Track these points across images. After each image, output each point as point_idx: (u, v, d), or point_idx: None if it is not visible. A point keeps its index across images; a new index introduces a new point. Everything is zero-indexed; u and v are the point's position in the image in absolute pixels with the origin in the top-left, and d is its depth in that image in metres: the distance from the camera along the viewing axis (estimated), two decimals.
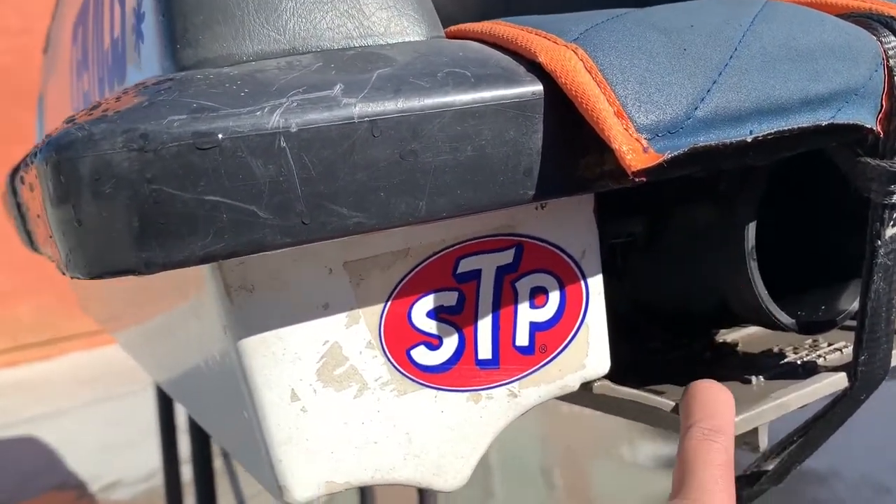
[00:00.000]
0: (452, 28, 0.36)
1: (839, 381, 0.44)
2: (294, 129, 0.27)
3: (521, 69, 0.31)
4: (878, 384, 0.45)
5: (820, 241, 0.50)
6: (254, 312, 0.32)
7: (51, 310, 3.03)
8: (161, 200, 0.26)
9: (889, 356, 0.44)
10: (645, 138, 0.30)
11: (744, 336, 0.54)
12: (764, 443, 0.41)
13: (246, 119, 0.26)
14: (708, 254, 0.44)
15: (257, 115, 0.27)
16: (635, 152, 0.29)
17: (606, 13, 0.35)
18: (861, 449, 2.74)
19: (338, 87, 0.28)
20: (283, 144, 0.27)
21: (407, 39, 0.34)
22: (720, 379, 0.46)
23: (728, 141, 0.31)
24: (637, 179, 0.30)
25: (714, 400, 0.37)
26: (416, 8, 0.34)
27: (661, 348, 0.54)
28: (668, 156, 0.30)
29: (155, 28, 0.33)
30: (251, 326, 0.32)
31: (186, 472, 1.20)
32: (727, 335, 0.55)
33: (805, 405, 0.44)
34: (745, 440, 0.41)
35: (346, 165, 0.28)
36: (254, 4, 0.32)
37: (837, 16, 0.40)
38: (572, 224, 0.38)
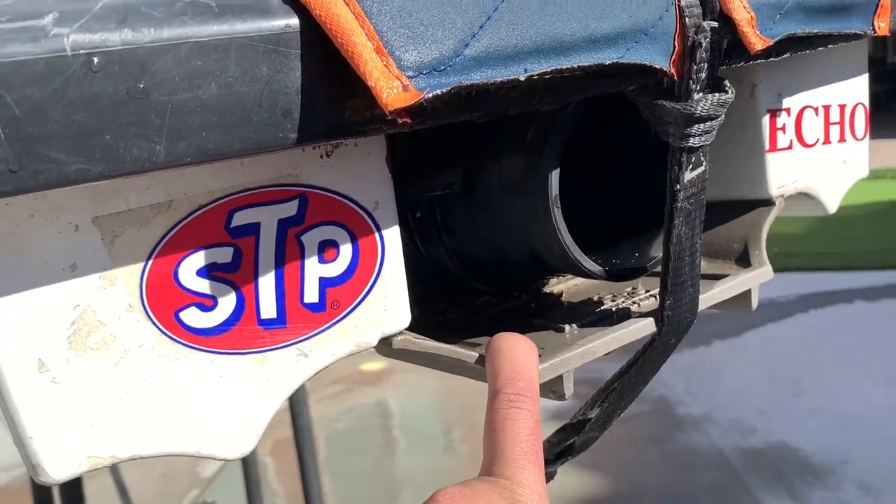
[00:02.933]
0: None
1: (648, 326, 0.44)
2: None
3: (276, 0, 0.29)
4: (687, 328, 0.45)
5: (636, 188, 0.50)
6: None
7: None
8: None
9: (696, 300, 0.45)
10: (407, 76, 0.28)
11: (570, 286, 0.54)
12: (570, 390, 0.41)
13: None
14: (517, 204, 0.43)
15: None
16: (393, 90, 0.27)
17: None
18: (728, 394, 2.91)
19: (50, 16, 0.25)
20: None
21: None
22: (538, 328, 0.46)
23: (499, 80, 0.30)
24: (401, 121, 0.28)
25: (515, 356, 0.36)
26: None
27: (489, 302, 0.53)
28: (428, 94, 0.28)
29: None
30: None
31: None
32: (555, 286, 0.55)
33: (611, 351, 0.44)
34: (552, 388, 0.41)
35: (59, 105, 0.24)
36: None
37: None
38: (362, 173, 0.36)
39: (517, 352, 0.37)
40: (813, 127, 0.57)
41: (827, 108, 0.58)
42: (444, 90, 0.29)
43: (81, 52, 0.25)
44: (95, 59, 0.25)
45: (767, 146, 0.54)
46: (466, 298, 0.54)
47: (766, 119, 0.53)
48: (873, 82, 0.65)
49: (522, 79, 0.31)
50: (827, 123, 0.58)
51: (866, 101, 0.61)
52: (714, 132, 0.40)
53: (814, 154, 0.57)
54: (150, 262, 0.31)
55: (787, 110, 0.55)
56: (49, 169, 0.25)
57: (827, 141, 0.58)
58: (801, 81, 0.55)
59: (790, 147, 0.55)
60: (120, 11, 0.26)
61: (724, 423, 2.72)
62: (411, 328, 0.40)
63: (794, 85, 0.55)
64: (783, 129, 0.55)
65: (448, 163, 0.47)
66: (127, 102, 0.25)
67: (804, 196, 0.58)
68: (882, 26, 0.49)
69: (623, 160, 0.51)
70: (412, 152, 0.48)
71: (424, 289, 0.52)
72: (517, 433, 0.33)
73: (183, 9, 0.27)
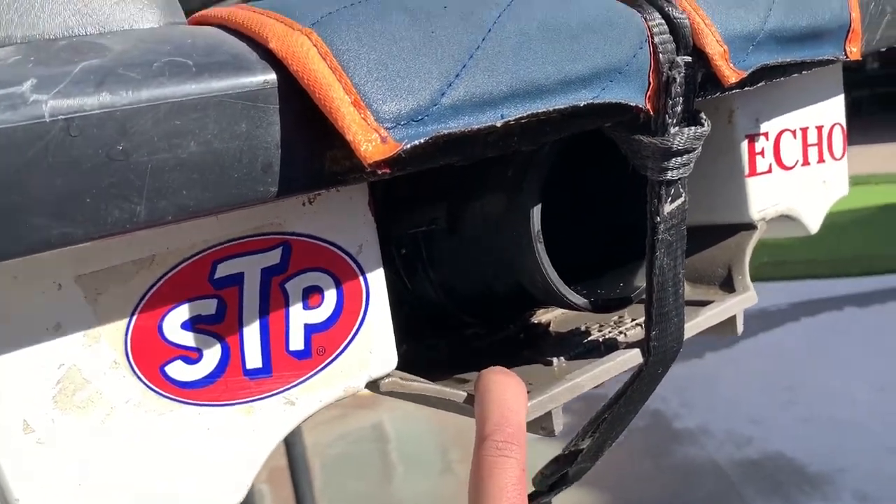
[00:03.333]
0: (197, 15, 0.34)
1: (634, 357, 0.45)
2: None
3: (254, 56, 0.29)
4: (674, 358, 0.46)
5: (618, 217, 0.50)
6: None
7: None
8: None
9: (681, 329, 0.45)
10: (385, 128, 0.28)
11: (557, 315, 0.54)
12: (559, 426, 0.41)
13: None
14: (500, 239, 0.44)
15: None
16: (371, 143, 0.28)
17: None
18: (722, 405, 2.91)
19: (29, 82, 0.25)
20: None
21: (135, 27, 0.31)
22: (526, 361, 0.46)
23: (477, 127, 0.30)
24: (380, 172, 0.29)
25: (504, 399, 0.37)
26: None
27: (478, 334, 0.54)
28: (406, 145, 0.28)
29: None
30: None
31: None
32: (542, 315, 0.55)
33: (600, 384, 0.44)
34: (541, 425, 0.41)
35: (39, 171, 0.25)
36: None
37: None
38: (345, 218, 0.36)
39: (506, 395, 0.37)
40: (791, 149, 0.57)
41: (805, 130, 0.59)
42: (422, 140, 0.29)
43: (60, 117, 0.25)
44: (74, 124, 0.25)
45: (747, 171, 0.54)
46: (454, 331, 0.54)
47: (744, 144, 0.54)
48: (854, 88, 0.66)
49: (499, 125, 0.31)
50: (805, 145, 0.59)
51: (843, 121, 0.62)
52: (692, 164, 0.41)
53: (793, 176, 0.58)
54: (135, 318, 0.31)
55: (766, 134, 0.55)
56: (31, 235, 0.25)
57: (806, 162, 0.59)
58: (778, 105, 0.56)
59: (769, 171, 0.56)
60: (98, 74, 0.26)
61: (719, 435, 2.72)
62: (401, 365, 0.40)
63: (772, 109, 0.55)
64: (762, 153, 0.55)
65: (430, 200, 0.48)
66: (107, 165, 0.26)
67: (785, 218, 0.58)
68: (854, 51, 0.50)
69: (602, 190, 0.51)
70: (393, 190, 0.49)
71: (412, 323, 0.52)
72: (504, 483, 0.33)
73: (160, 69, 0.27)
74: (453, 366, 0.49)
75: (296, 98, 0.29)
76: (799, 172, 0.58)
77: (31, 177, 0.25)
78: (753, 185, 0.55)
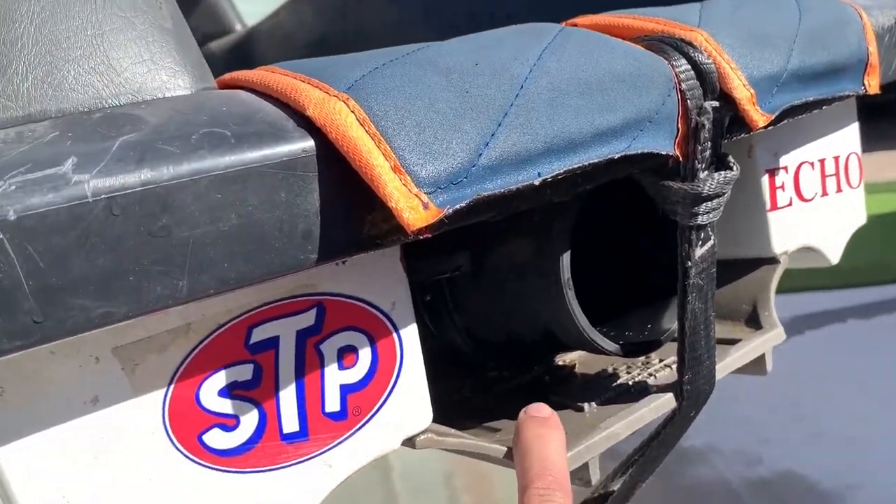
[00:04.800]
0: (226, 77, 0.33)
1: (667, 401, 0.44)
2: (12, 217, 0.23)
3: (291, 123, 0.29)
4: (706, 400, 0.45)
5: (645, 257, 0.50)
6: (6, 418, 0.28)
7: None
8: None
9: (713, 371, 0.45)
10: (426, 192, 0.28)
11: (582, 356, 0.54)
12: (595, 475, 0.41)
13: None
14: (528, 285, 0.43)
15: None
16: (414, 209, 0.27)
17: (389, 53, 0.33)
18: (730, 424, 2.90)
19: (69, 161, 0.25)
20: (0, 235, 0.23)
21: (168, 95, 0.31)
22: (555, 406, 0.45)
23: (515, 187, 0.30)
24: (421, 236, 0.28)
25: (544, 447, 0.36)
26: (176, 60, 0.31)
27: (502, 376, 0.53)
28: (448, 210, 0.28)
29: None
30: (3, 434, 0.28)
31: None
32: (567, 356, 0.54)
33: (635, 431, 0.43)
34: (578, 476, 0.40)
35: (82, 251, 0.24)
36: None
37: (631, 39, 0.40)
38: (378, 276, 0.36)
39: (547, 444, 0.36)
40: (811, 181, 0.57)
41: (822, 161, 0.58)
42: (463, 204, 0.29)
43: (102, 196, 0.24)
44: (116, 202, 0.25)
45: (768, 205, 0.54)
46: (478, 373, 0.54)
47: (765, 179, 0.54)
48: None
49: (537, 182, 0.31)
50: (823, 176, 0.59)
51: (858, 150, 0.62)
52: (721, 208, 0.40)
53: (813, 208, 0.58)
54: (172, 387, 0.31)
55: (785, 168, 0.55)
56: (73, 316, 0.24)
57: (825, 193, 0.59)
58: (796, 138, 0.56)
59: (790, 204, 0.56)
60: (137, 150, 0.26)
61: (728, 454, 2.71)
62: None
63: (791, 142, 0.55)
64: (782, 186, 0.55)
65: (454, 246, 0.47)
66: (149, 242, 0.25)
67: (807, 250, 0.58)
68: (872, 84, 0.50)
69: (622, 227, 0.51)
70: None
71: (436, 367, 0.52)
72: None
73: (199, 142, 0.27)
74: (481, 410, 0.48)
75: (334, 164, 0.28)
76: (818, 204, 0.58)
77: (73, 258, 0.24)
78: (775, 220, 0.54)
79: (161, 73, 0.31)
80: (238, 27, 1.39)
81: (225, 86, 0.33)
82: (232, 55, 1.31)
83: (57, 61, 0.29)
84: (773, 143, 0.54)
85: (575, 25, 0.44)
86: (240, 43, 1.29)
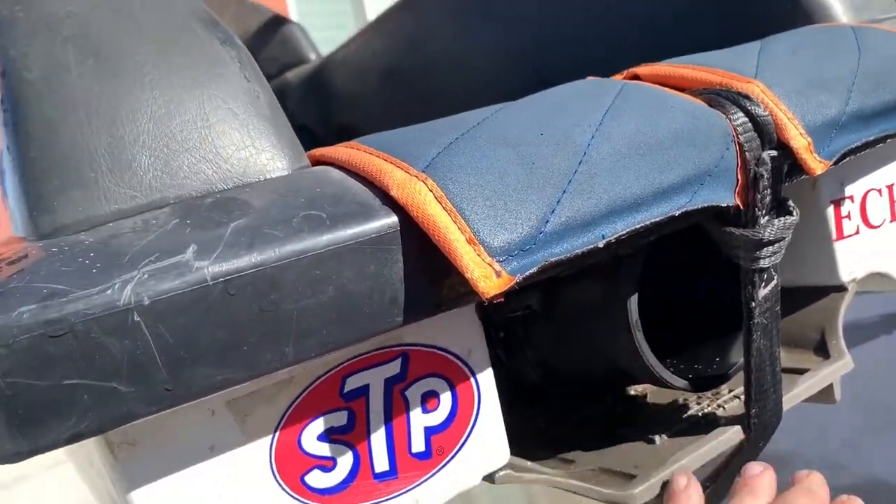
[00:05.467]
0: (316, 153, 0.37)
1: (736, 434, 0.46)
2: (146, 303, 0.27)
3: (377, 202, 0.32)
4: (773, 431, 0.47)
5: (713, 292, 0.52)
6: (138, 465, 0.32)
7: None
8: (18, 392, 0.26)
9: (779, 404, 0.46)
10: (498, 261, 0.31)
11: (652, 387, 0.56)
12: None
13: (97, 299, 0.27)
14: (597, 326, 0.46)
15: (108, 293, 0.27)
16: (488, 278, 0.30)
17: (458, 125, 0.36)
18: (815, 428, 2.82)
19: (190, 249, 0.29)
20: (137, 318, 0.27)
21: (268, 176, 0.35)
22: (626, 439, 0.48)
23: (580, 251, 0.33)
24: (495, 301, 0.31)
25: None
26: (274, 143, 0.35)
27: (574, 407, 0.55)
28: (519, 278, 0.31)
29: (13, 190, 0.33)
30: (136, 479, 0.32)
31: None
32: (637, 386, 0.56)
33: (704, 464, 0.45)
34: None
35: (204, 328, 0.28)
36: (107, 165, 0.32)
37: (688, 91, 0.42)
38: (456, 326, 0.39)
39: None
40: (878, 208, 0.58)
41: (890, 187, 0.59)
42: (533, 270, 0.31)
43: (220, 280, 0.28)
44: (232, 284, 0.28)
45: (834, 235, 0.55)
46: (552, 405, 0.56)
47: (830, 210, 0.55)
48: None
49: (601, 245, 0.33)
50: (892, 202, 0.59)
51: None
52: (783, 251, 0.42)
53: (881, 234, 0.58)
54: (278, 434, 0.35)
55: (851, 197, 0.56)
56: (199, 383, 0.28)
57: (893, 219, 0.59)
58: (861, 167, 0.56)
59: (857, 232, 0.56)
60: (247, 235, 0.30)
61: (813, 460, 2.64)
62: None
63: (856, 172, 0.56)
64: (848, 216, 0.56)
65: (525, 287, 0.50)
66: (260, 316, 0.29)
67: (876, 275, 0.59)
68: None
69: (694, 266, 0.52)
70: None
71: (511, 399, 0.55)
72: None
73: (300, 225, 0.30)
74: (555, 441, 0.51)
75: (416, 238, 0.32)
76: (887, 229, 0.58)
77: (197, 334, 0.28)
78: (842, 249, 0.55)
79: (262, 156, 0.35)
80: (313, 56, 1.45)
81: (316, 161, 0.37)
82: (307, 84, 1.37)
83: (173, 153, 0.33)
84: (838, 174, 0.55)
85: (635, 76, 0.46)
86: (315, 72, 1.35)
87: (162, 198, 0.33)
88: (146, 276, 0.28)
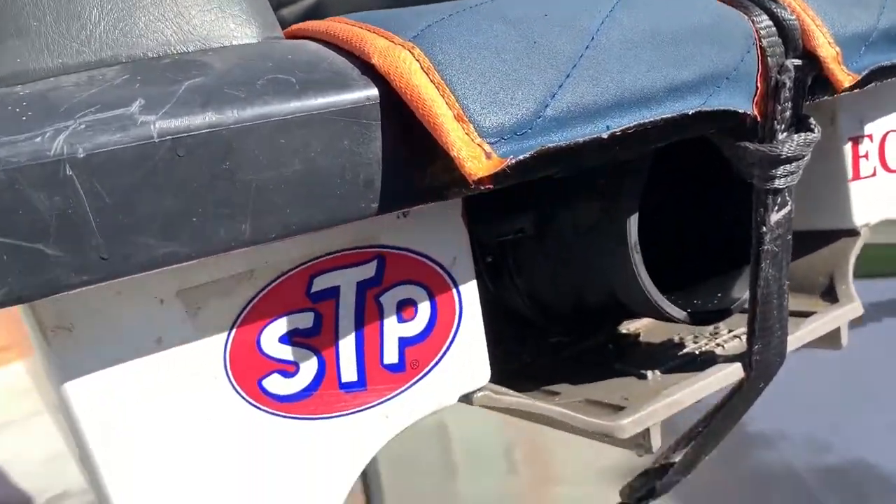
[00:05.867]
0: (293, 27, 0.33)
1: (735, 372, 0.43)
2: (81, 155, 0.24)
3: (355, 71, 0.28)
4: (775, 372, 0.44)
5: (716, 226, 0.48)
6: (75, 353, 0.29)
7: None
8: None
9: (784, 343, 0.43)
10: (488, 142, 0.28)
11: (646, 324, 0.53)
12: (657, 442, 0.40)
13: (23, 146, 0.23)
14: (594, 249, 0.42)
15: (37, 141, 0.23)
16: (476, 159, 0.27)
17: (455, 5, 0.32)
18: (801, 409, 2.81)
19: (137, 103, 0.25)
20: (69, 172, 0.24)
21: (235, 43, 0.31)
22: (618, 374, 0.45)
23: (582, 140, 0.29)
24: (483, 187, 0.28)
25: None
26: (245, 8, 0.31)
27: (564, 342, 0.52)
28: (511, 161, 0.27)
29: None
30: (72, 369, 0.29)
31: None
32: (631, 324, 0.53)
33: (699, 400, 0.42)
34: (638, 442, 0.40)
35: (147, 191, 0.25)
36: (52, 14, 0.28)
37: None
38: (439, 231, 0.35)
39: None
40: None
41: None
42: (527, 155, 0.28)
43: (167, 137, 0.25)
44: (181, 144, 0.25)
45: (850, 175, 0.52)
46: (538, 339, 0.53)
47: (848, 147, 0.51)
48: None
49: (605, 136, 0.30)
50: None
51: None
52: (800, 172, 0.39)
53: None
54: (234, 332, 0.31)
55: (870, 136, 0.52)
56: (139, 255, 0.25)
57: None
58: (883, 105, 0.53)
59: (874, 174, 0.53)
60: (203, 93, 0.26)
61: (797, 440, 2.63)
62: None
63: (876, 110, 0.53)
64: (866, 155, 0.52)
65: (517, 208, 0.47)
66: (212, 184, 0.26)
67: (890, 223, 0.55)
68: None
69: (694, 193, 0.49)
70: (479, 196, 0.48)
71: (495, 330, 0.52)
72: None
73: (265, 87, 0.27)
74: (540, 375, 0.48)
75: (397, 114, 0.28)
76: None
77: (139, 197, 0.25)
78: (857, 190, 0.52)
79: (228, 21, 0.31)
80: None
81: (292, 36, 0.33)
82: (303, 21, 1.32)
83: (129, 8, 0.30)
84: (858, 109, 0.52)
85: None
86: (312, 9, 1.30)
87: (113, 55, 0.29)
88: (83, 126, 0.24)
